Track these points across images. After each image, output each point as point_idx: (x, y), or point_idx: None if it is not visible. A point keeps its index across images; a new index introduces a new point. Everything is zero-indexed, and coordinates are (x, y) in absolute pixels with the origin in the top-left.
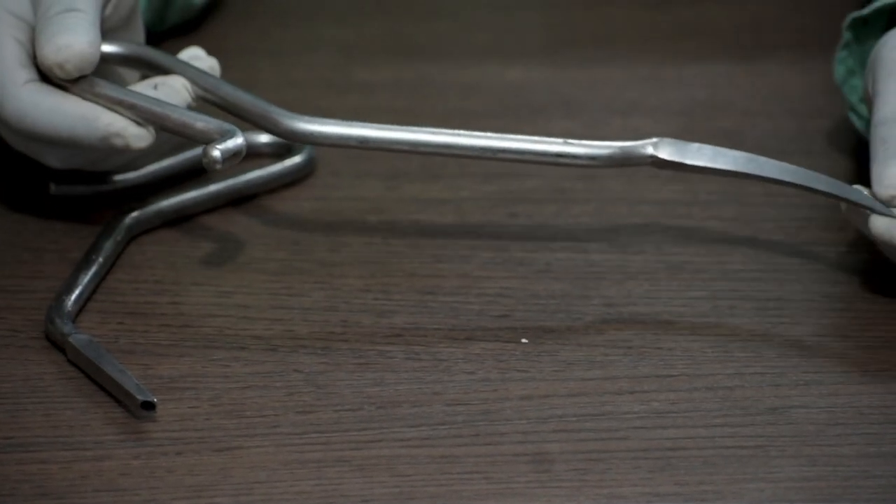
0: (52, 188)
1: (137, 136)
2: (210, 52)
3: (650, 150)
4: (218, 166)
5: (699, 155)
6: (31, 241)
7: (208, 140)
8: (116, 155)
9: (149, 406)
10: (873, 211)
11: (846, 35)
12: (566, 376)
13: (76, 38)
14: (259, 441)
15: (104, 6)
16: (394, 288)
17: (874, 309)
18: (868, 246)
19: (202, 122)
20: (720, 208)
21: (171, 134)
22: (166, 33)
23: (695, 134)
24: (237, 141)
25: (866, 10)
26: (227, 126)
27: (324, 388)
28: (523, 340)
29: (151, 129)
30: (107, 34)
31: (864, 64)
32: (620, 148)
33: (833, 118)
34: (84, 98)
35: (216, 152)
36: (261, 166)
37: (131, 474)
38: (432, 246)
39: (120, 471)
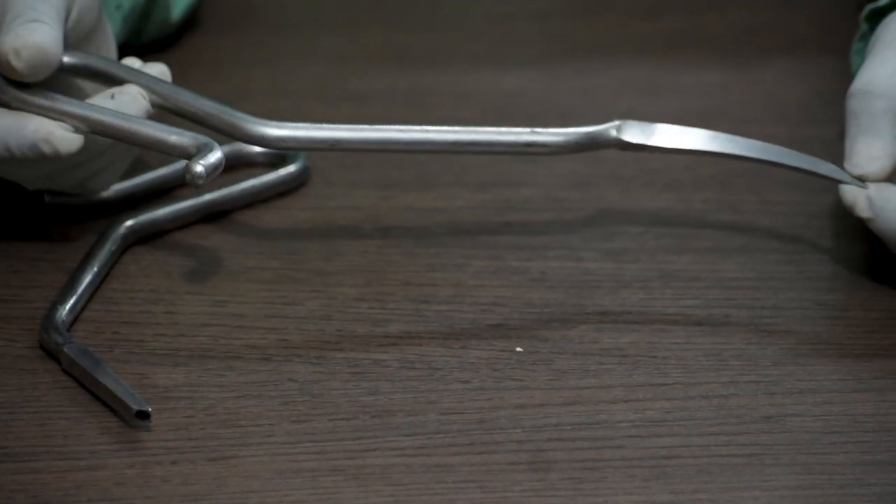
0: (47, 198)
1: (63, 139)
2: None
3: (614, 134)
4: (201, 181)
5: (663, 135)
6: (25, 250)
7: (184, 154)
8: (49, 164)
9: (143, 415)
10: (843, 182)
11: (863, 26)
12: (561, 385)
13: (38, 32)
14: (254, 450)
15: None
16: (388, 297)
17: (869, 317)
18: (863, 254)
19: (176, 136)
20: (715, 217)
21: (143, 148)
22: (148, 47)
23: None
24: (217, 154)
25: (882, 1)
26: (202, 139)
27: (318, 398)
28: (518, 349)
29: (80, 134)
30: (68, 49)
31: None
32: (586, 133)
33: (828, 125)
34: (27, 110)
35: (199, 168)
36: (255, 176)
37: (126, 484)
38: (427, 255)
39: (115, 480)
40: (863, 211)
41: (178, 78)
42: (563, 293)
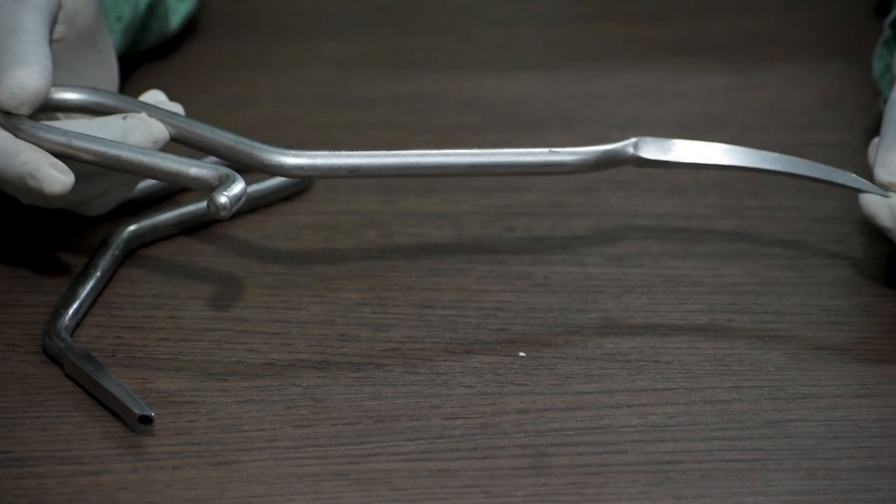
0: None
1: (48, 178)
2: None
3: (632, 151)
4: (225, 213)
5: (681, 151)
6: (28, 255)
7: (205, 186)
8: (37, 197)
9: (146, 420)
10: (862, 191)
11: (887, 32)
12: (564, 390)
13: (21, 74)
14: (257, 455)
15: (53, 24)
16: (391, 302)
17: (872, 322)
18: (866, 259)
19: (196, 169)
20: (718, 222)
21: (163, 182)
22: (150, 53)
23: None
24: (240, 185)
25: None
26: (223, 170)
27: (322, 402)
28: (521, 354)
29: (70, 175)
30: (69, 52)
31: None
32: (604, 151)
33: (831, 131)
34: (41, 145)
35: (224, 199)
36: (258, 181)
37: (129, 489)
38: (430, 260)
39: (118, 485)
40: (885, 220)
41: (181, 83)
42: (567, 298)
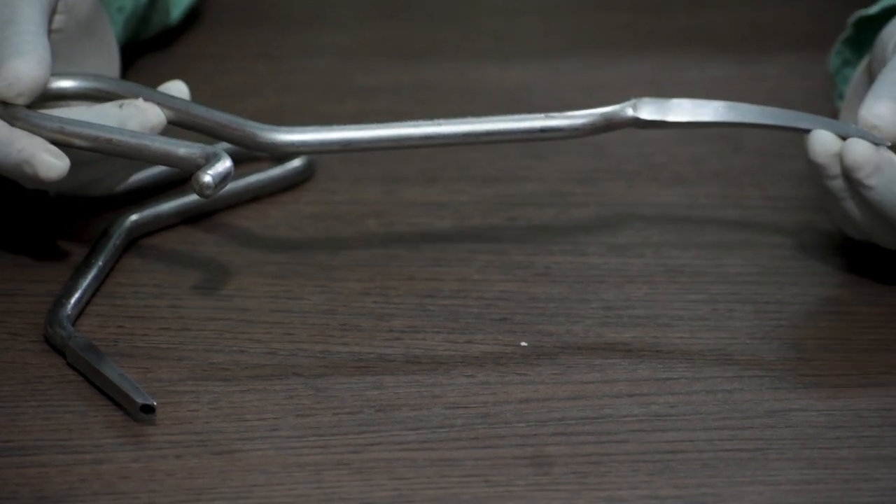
0: (51, 192)
1: (44, 163)
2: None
3: (630, 112)
4: (209, 192)
5: (679, 110)
6: (30, 244)
7: (193, 166)
8: (31, 182)
9: (148, 409)
10: (864, 139)
11: (849, 30)
12: (565, 379)
13: (20, 64)
14: (258, 444)
15: (51, 15)
16: (393, 291)
17: (873, 312)
18: (867, 250)
19: (184, 149)
20: (719, 211)
21: (152, 163)
22: (153, 42)
23: (694, 137)
24: (226, 164)
25: (873, 9)
26: (210, 149)
27: (323, 392)
28: (522, 343)
29: (65, 160)
30: (69, 43)
31: (860, 54)
32: (602, 114)
33: None
34: (34, 132)
35: (207, 177)
36: (260, 170)
37: (131, 478)
38: (431, 249)
39: (119, 474)
40: (868, 177)
41: (183, 73)
42: (568, 288)
